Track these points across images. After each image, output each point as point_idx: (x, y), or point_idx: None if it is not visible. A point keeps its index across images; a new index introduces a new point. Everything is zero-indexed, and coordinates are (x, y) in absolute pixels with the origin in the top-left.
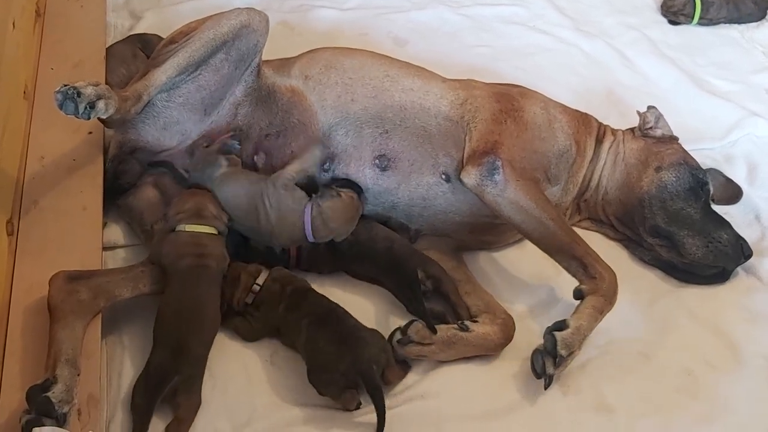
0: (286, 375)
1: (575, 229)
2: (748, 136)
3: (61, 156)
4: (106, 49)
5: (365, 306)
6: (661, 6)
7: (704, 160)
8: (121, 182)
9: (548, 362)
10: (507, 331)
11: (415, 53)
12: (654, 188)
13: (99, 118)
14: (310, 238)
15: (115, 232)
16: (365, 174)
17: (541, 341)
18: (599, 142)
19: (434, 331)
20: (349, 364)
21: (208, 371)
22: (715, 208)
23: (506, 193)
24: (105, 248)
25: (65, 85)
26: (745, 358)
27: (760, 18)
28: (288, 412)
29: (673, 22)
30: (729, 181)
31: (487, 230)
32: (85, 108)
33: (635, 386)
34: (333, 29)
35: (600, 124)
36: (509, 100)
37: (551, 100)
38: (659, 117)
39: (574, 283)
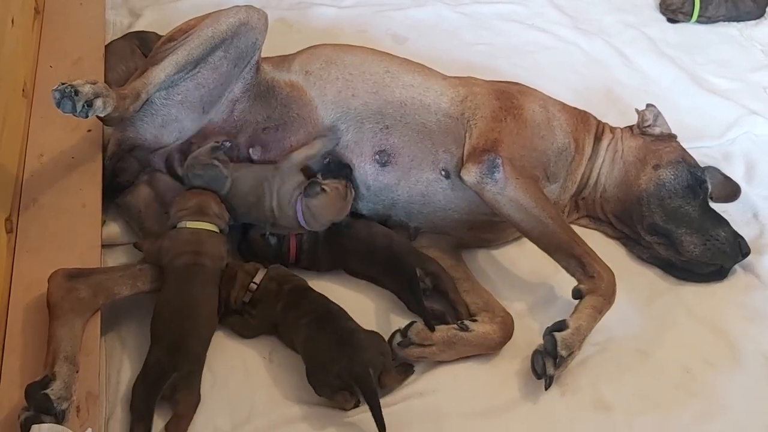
0: (285, 372)
1: (573, 226)
2: (747, 134)
3: (60, 154)
4: (105, 46)
5: (365, 305)
6: (660, 4)
7: (702, 158)
8: (120, 180)
9: (548, 363)
10: (506, 329)
11: (414, 50)
12: (652, 186)
13: (97, 116)
14: (306, 227)
15: (114, 230)
16: (366, 170)
17: (540, 339)
18: (598, 139)
19: (432, 329)
20: (344, 367)
21: (208, 368)
22: (714, 206)
23: (506, 191)
24: (104, 246)
25: (63, 84)
26: (744, 356)
27: (759, 16)
28: (287, 409)
29: (671, 20)
30: (727, 179)
31: (486, 228)
32: (83, 106)
33: (633, 384)
34: (332, 27)
35: (599, 122)
36: (509, 98)
37: (550, 98)
38: (658, 115)
39: (573, 281)
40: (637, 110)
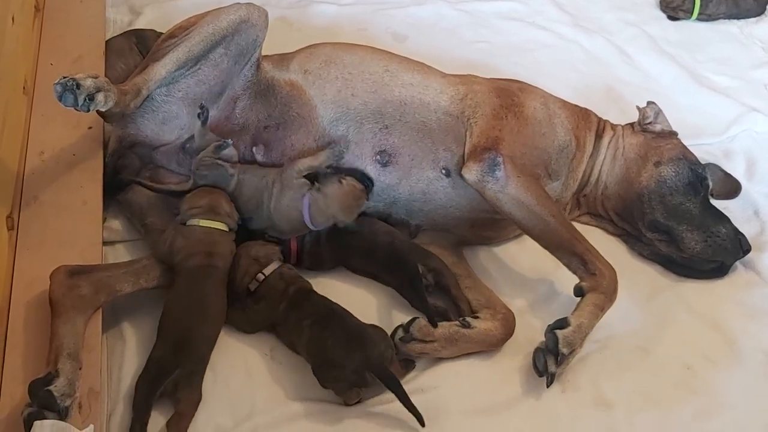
0: (286, 369)
1: (575, 224)
2: (747, 131)
3: (61, 151)
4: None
5: (367, 302)
6: (660, 2)
7: (703, 155)
8: (121, 177)
9: (550, 360)
10: (508, 326)
11: (414, 49)
12: (653, 183)
13: (98, 113)
14: (309, 225)
15: (115, 227)
16: (367, 171)
17: (542, 336)
18: (599, 137)
19: (435, 325)
20: (359, 362)
21: (209, 366)
22: (714, 203)
23: (507, 189)
24: (105, 243)
25: (65, 77)
26: (744, 353)
27: (759, 13)
28: (288, 407)
29: (672, 18)
30: (728, 176)
31: (488, 225)
32: (85, 100)
33: (634, 381)
34: (332, 25)
35: (599, 119)
36: (509, 96)
37: (551, 95)
38: (658, 112)
39: (574, 277)
40: (637, 107)
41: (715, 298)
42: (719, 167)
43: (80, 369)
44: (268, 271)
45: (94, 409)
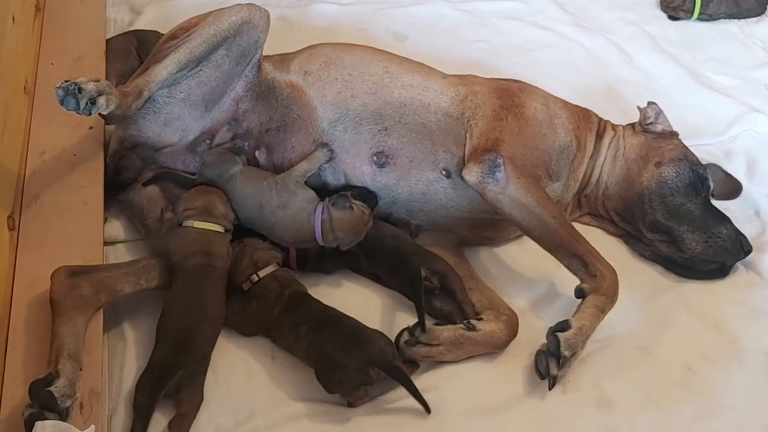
0: (287, 370)
1: (575, 224)
2: (748, 131)
3: (62, 151)
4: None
5: (370, 303)
6: (661, 2)
7: (704, 155)
8: (122, 178)
9: (552, 363)
10: (512, 327)
11: (414, 49)
12: (654, 183)
13: (100, 114)
14: (320, 241)
15: (116, 227)
16: (362, 171)
17: (543, 336)
18: (599, 137)
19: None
20: (361, 359)
21: (210, 366)
22: (715, 203)
23: (508, 190)
24: (106, 243)
25: (66, 81)
26: (745, 354)
27: (760, 13)
28: (290, 407)
29: (672, 18)
30: (729, 176)
31: (489, 226)
32: (86, 104)
33: (635, 381)
34: (332, 24)
35: (600, 120)
36: (510, 96)
37: (551, 95)
38: (659, 112)
39: (575, 277)
40: (638, 108)
41: (716, 298)
42: (720, 167)
43: (81, 369)
44: (262, 273)
45: (95, 409)
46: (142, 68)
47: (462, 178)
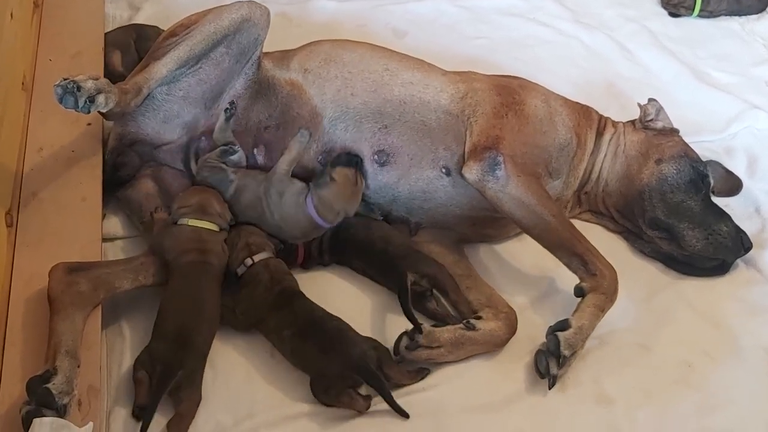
0: (286, 368)
1: (575, 221)
2: (749, 128)
3: (60, 147)
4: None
5: (367, 303)
6: None
7: (704, 152)
8: (121, 174)
9: (552, 363)
10: (511, 324)
11: (413, 45)
12: (654, 180)
13: (99, 111)
14: (323, 224)
15: (114, 224)
16: (364, 170)
17: (543, 333)
18: (600, 134)
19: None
20: (341, 364)
21: (209, 364)
22: (716, 200)
23: (508, 188)
24: (104, 240)
25: (65, 79)
26: (744, 350)
27: (761, 10)
28: (289, 405)
29: (673, 15)
30: (729, 173)
31: (488, 224)
32: (85, 102)
33: (634, 378)
34: (332, 21)
35: (600, 117)
36: (510, 93)
37: (552, 92)
38: (660, 109)
39: (574, 275)
40: (639, 104)
41: (716, 295)
42: (720, 164)
43: (79, 366)
44: (257, 258)
45: (93, 406)
46: (141, 65)
47: (462, 176)
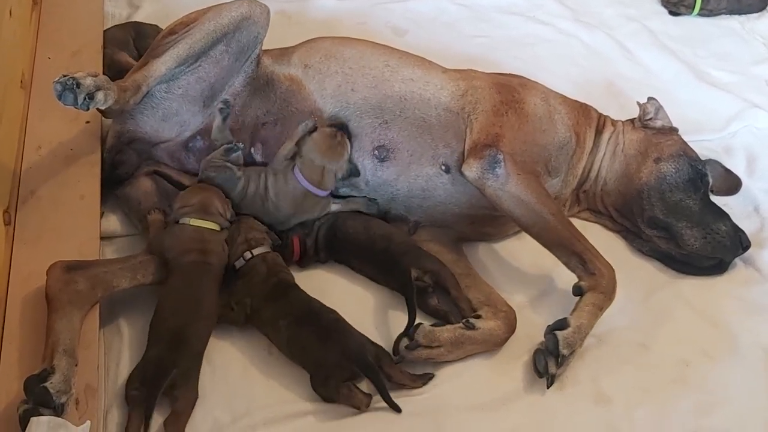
0: (284, 365)
1: (574, 220)
2: (748, 127)
3: (59, 145)
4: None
5: (364, 302)
6: None
7: (703, 151)
8: (119, 172)
9: (550, 362)
10: (510, 323)
11: (413, 43)
12: (653, 179)
13: (98, 109)
14: (316, 191)
15: (113, 222)
16: (364, 165)
17: (541, 332)
18: (599, 133)
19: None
20: (339, 354)
21: (207, 361)
22: (714, 199)
23: (507, 186)
24: (103, 238)
25: (64, 76)
26: (743, 349)
27: (761, 9)
28: (287, 403)
29: (673, 13)
30: (728, 172)
31: (487, 222)
32: (84, 99)
33: (633, 377)
34: (331, 18)
35: (600, 115)
36: (510, 92)
37: (551, 91)
38: (659, 108)
39: (573, 274)
40: (638, 103)
41: (714, 294)
42: (719, 163)
43: (76, 365)
44: (255, 252)
45: (91, 405)
46: (140, 63)
47: (461, 173)
